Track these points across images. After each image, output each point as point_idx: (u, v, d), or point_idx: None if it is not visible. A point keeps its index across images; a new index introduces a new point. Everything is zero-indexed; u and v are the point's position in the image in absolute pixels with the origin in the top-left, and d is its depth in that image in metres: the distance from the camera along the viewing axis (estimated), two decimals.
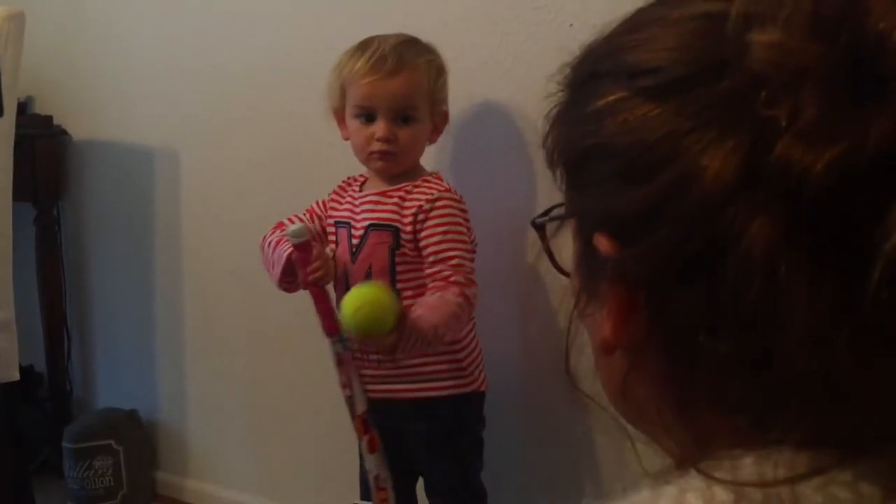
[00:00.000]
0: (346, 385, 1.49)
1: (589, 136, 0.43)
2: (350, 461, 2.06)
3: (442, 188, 1.50)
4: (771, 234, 0.36)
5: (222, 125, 2.19)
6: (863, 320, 0.35)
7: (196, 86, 2.22)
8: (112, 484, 2.33)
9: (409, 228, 1.47)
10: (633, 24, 0.44)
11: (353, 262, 1.50)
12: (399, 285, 1.47)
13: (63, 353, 2.58)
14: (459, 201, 1.51)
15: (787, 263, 0.36)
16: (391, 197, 1.50)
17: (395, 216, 1.48)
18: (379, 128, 1.45)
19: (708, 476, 0.39)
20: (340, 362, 1.49)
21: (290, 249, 1.47)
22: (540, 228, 0.55)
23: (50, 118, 2.47)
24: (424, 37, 1.58)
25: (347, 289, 1.43)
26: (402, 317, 1.35)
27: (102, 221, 2.51)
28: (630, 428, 0.52)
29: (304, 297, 2.10)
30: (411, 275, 1.49)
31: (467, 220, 1.51)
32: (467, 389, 1.53)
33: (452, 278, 1.43)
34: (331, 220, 1.60)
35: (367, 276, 1.47)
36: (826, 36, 0.36)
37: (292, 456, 2.23)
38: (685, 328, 0.40)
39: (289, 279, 1.52)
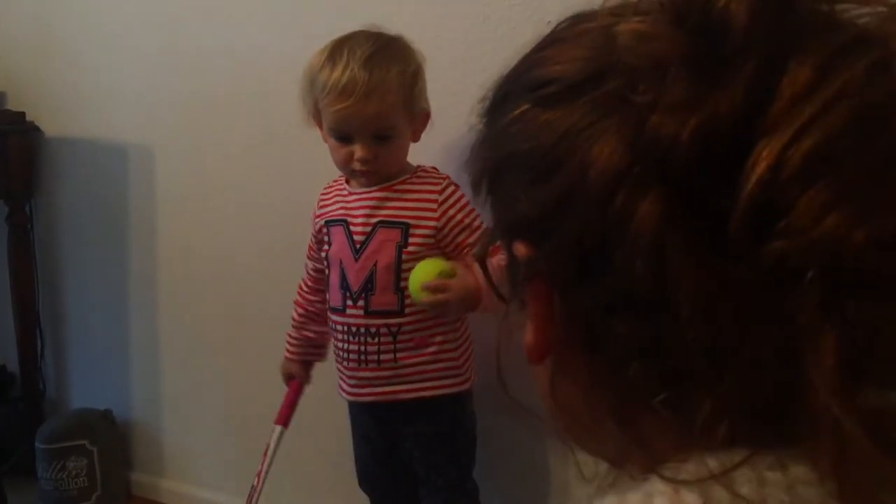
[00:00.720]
0: (259, 475, 1.71)
1: (500, 149, 0.46)
2: (326, 460, 2.06)
3: (442, 175, 1.53)
4: (655, 213, 0.38)
5: (197, 121, 2.17)
6: (741, 288, 0.37)
7: (171, 81, 2.20)
8: (86, 485, 2.31)
9: (431, 224, 1.46)
10: (539, 45, 0.47)
11: (357, 258, 1.47)
12: (403, 283, 1.45)
13: (36, 352, 2.55)
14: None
15: (670, 240, 0.38)
16: (395, 192, 1.48)
17: (407, 213, 1.47)
18: (357, 149, 1.41)
19: (670, 479, 0.39)
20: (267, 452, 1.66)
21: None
22: (482, 259, 0.58)
23: (22, 114, 2.44)
24: (402, 32, 1.57)
25: (345, 287, 1.48)
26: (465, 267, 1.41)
27: (76, 219, 2.49)
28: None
29: (280, 296, 2.10)
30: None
31: None
32: (464, 387, 1.52)
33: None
34: (320, 221, 1.57)
35: (372, 272, 1.46)
36: (679, 20, 0.39)
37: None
38: (593, 318, 0.42)
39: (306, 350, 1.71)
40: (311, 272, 1.66)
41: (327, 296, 1.56)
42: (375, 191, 1.49)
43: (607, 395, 0.44)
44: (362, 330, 1.48)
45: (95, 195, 2.42)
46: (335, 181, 1.60)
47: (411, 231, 1.46)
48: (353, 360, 1.49)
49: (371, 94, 1.36)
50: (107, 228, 2.41)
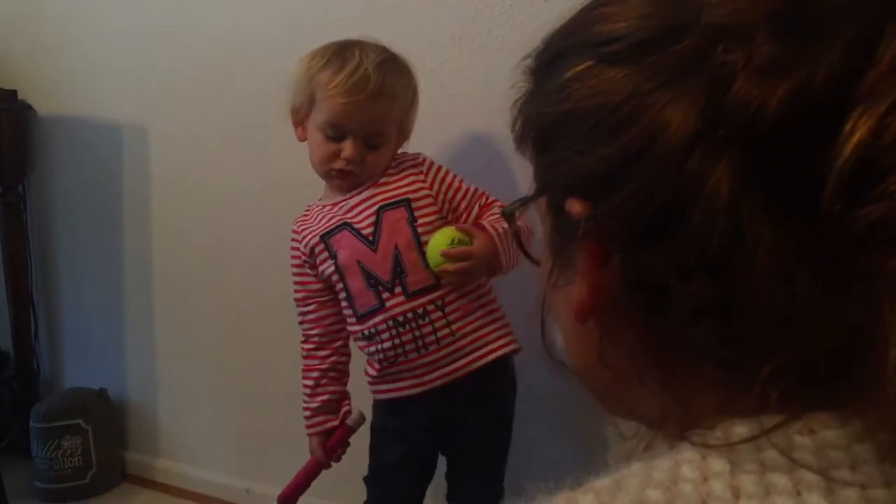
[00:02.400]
0: None
1: (558, 105, 0.45)
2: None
3: (413, 153, 1.52)
4: (732, 176, 0.38)
5: (191, 99, 2.16)
6: (821, 254, 0.37)
7: (164, 60, 2.18)
8: (81, 464, 2.32)
9: (426, 192, 1.46)
10: (598, 1, 0.46)
11: (375, 249, 1.42)
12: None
13: (30, 332, 2.55)
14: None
15: (748, 203, 0.37)
16: (380, 184, 1.46)
17: (401, 190, 1.45)
18: (347, 148, 1.40)
19: (700, 445, 0.39)
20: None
21: (340, 426, 1.54)
22: (511, 217, 0.58)
23: (14, 93, 2.42)
24: (399, 12, 1.57)
25: (374, 283, 1.41)
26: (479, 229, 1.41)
27: (69, 198, 2.48)
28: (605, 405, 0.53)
29: (276, 277, 2.09)
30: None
31: None
32: (515, 346, 1.48)
33: (491, 199, 1.48)
34: (312, 239, 1.49)
35: (396, 255, 1.41)
36: None
37: (262, 435, 2.22)
38: (657, 277, 0.41)
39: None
40: (314, 319, 1.55)
41: (352, 310, 1.47)
42: (361, 191, 1.46)
43: (659, 355, 0.44)
44: (409, 315, 1.41)
45: (89, 175, 2.41)
46: (307, 208, 1.55)
47: (414, 205, 1.43)
48: (412, 350, 1.41)
49: (380, 95, 1.38)
50: (101, 207, 2.41)
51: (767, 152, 0.37)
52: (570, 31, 0.47)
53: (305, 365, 1.56)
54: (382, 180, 1.46)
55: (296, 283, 1.54)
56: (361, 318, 1.45)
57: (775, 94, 0.36)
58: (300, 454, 2.14)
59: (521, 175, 1.66)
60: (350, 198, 1.46)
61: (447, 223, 1.45)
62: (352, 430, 1.54)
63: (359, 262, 1.42)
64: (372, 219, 1.43)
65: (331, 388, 1.53)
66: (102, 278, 2.46)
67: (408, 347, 1.41)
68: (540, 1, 1.59)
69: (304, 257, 1.51)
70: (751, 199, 0.37)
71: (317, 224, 1.49)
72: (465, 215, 1.48)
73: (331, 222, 1.46)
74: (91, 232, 2.44)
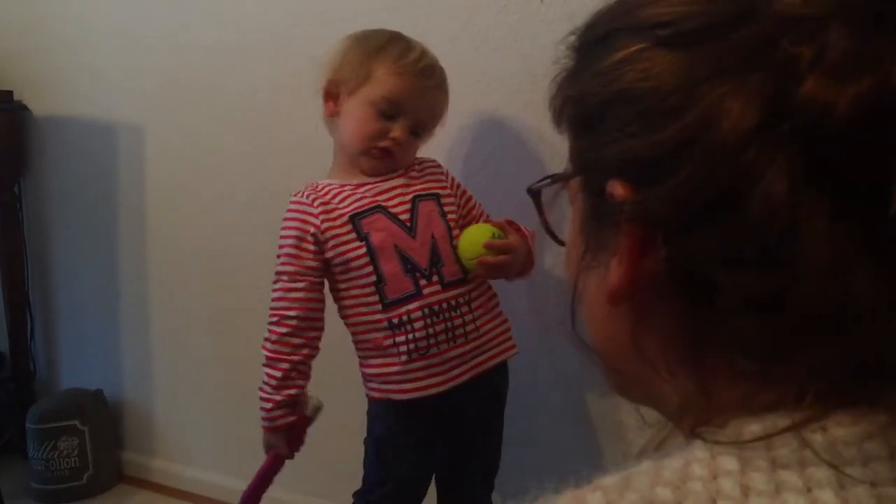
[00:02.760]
0: None
1: (607, 86, 0.44)
2: (316, 440, 2.06)
3: (432, 159, 1.53)
4: (791, 171, 0.37)
5: (186, 100, 2.15)
6: (881, 252, 0.37)
7: (160, 60, 2.18)
8: (77, 465, 2.32)
9: (449, 192, 1.47)
10: None
11: (414, 235, 1.39)
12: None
13: (26, 332, 2.55)
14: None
15: (808, 200, 0.37)
16: (410, 176, 1.45)
17: (430, 185, 1.45)
18: (398, 129, 1.39)
19: (712, 442, 0.39)
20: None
21: (300, 417, 1.45)
22: (536, 195, 0.57)
23: (10, 93, 2.42)
24: (393, 12, 1.56)
25: (412, 269, 1.37)
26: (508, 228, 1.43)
27: (65, 198, 2.47)
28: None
29: (272, 277, 2.09)
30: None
31: None
32: (517, 348, 1.50)
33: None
34: (340, 219, 1.39)
35: (434, 244, 1.40)
36: None
37: (259, 436, 2.21)
38: (704, 267, 0.40)
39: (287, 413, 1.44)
40: (299, 299, 1.41)
41: (378, 296, 1.38)
42: (392, 178, 1.43)
43: (693, 344, 0.43)
44: (444, 306, 1.38)
45: (85, 175, 2.40)
46: (316, 185, 1.45)
47: (442, 200, 1.44)
48: (444, 341, 1.38)
49: (440, 87, 1.43)
50: (97, 208, 2.40)
51: (832, 151, 0.37)
52: (620, 10, 0.46)
53: (273, 353, 1.41)
54: (412, 174, 1.45)
55: (288, 255, 1.40)
56: (390, 306, 1.38)
57: (846, 94, 0.36)
58: (298, 455, 2.14)
59: (516, 176, 1.66)
60: (380, 182, 1.42)
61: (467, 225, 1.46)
62: (311, 421, 1.47)
63: (396, 246, 1.38)
64: (408, 206, 1.41)
65: (299, 383, 1.42)
66: (98, 279, 2.45)
67: (440, 338, 1.38)
68: (536, 2, 1.59)
69: (311, 232, 1.39)
70: (811, 195, 0.37)
71: (342, 203, 1.40)
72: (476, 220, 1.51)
73: (361, 203, 1.40)
74: (87, 232, 2.44)
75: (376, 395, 1.44)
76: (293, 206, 1.43)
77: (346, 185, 1.42)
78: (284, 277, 1.41)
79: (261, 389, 1.43)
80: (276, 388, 1.42)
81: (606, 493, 0.39)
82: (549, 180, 0.54)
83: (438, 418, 1.43)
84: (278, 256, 1.41)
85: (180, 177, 2.22)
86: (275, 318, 1.41)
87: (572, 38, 0.50)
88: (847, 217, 0.37)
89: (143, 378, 2.43)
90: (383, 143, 1.39)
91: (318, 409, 1.47)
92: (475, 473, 1.53)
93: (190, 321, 2.28)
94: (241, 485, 2.25)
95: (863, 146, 0.36)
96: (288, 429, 1.44)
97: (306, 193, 1.43)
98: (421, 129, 1.43)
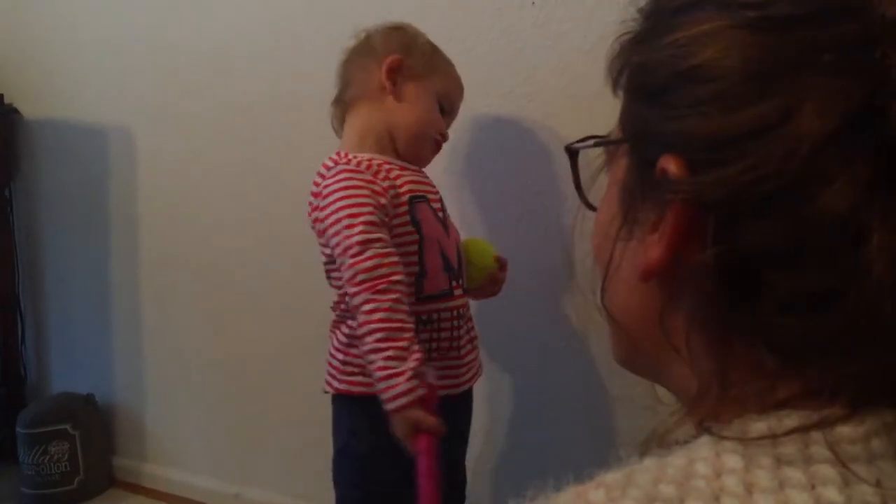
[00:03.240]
0: None
1: (684, 59, 0.42)
2: (307, 444, 2.06)
3: None
4: (868, 182, 0.36)
5: (177, 103, 2.15)
6: None
7: (150, 63, 2.17)
8: (68, 469, 2.31)
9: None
10: None
11: (448, 234, 1.38)
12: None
13: (17, 336, 2.54)
14: None
15: (880, 212, 0.36)
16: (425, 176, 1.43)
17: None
18: (444, 124, 1.43)
19: (718, 438, 0.39)
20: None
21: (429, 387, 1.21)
22: (574, 155, 0.55)
23: (0, 96, 2.41)
24: (386, 17, 1.55)
25: (449, 268, 1.35)
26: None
27: (56, 201, 2.46)
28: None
29: (264, 280, 2.08)
30: None
31: None
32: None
33: None
34: (402, 198, 1.31)
35: (457, 248, 1.40)
36: None
37: (251, 439, 2.21)
38: (754, 259, 0.39)
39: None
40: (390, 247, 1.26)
41: (419, 287, 1.31)
42: (420, 172, 1.41)
43: (723, 333, 0.42)
44: (463, 311, 1.38)
45: (76, 178, 2.40)
46: (363, 160, 1.31)
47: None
48: (465, 346, 1.38)
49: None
50: (88, 211, 2.39)
51: None
52: None
53: (393, 321, 1.19)
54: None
55: (370, 223, 1.23)
56: (425, 300, 1.31)
57: None
58: (289, 458, 2.14)
59: (510, 178, 1.66)
60: (417, 172, 1.39)
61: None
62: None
63: (439, 242, 1.35)
64: (439, 204, 1.40)
65: (418, 346, 1.20)
66: (89, 282, 2.44)
67: (462, 343, 1.37)
68: (528, 4, 1.59)
69: (383, 203, 1.27)
70: (884, 207, 0.36)
71: (398, 181, 1.31)
72: None
73: (415, 187, 1.33)
74: (78, 235, 2.43)
75: (361, 389, 1.31)
76: (351, 175, 1.26)
77: (396, 165, 1.33)
78: (376, 245, 1.22)
79: (382, 368, 1.18)
80: (404, 359, 1.18)
81: (609, 489, 0.39)
82: (591, 141, 0.52)
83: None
84: (350, 227, 1.22)
85: (171, 180, 2.21)
86: (382, 286, 1.20)
87: (646, 1, 0.47)
88: None
89: (134, 382, 2.42)
90: (436, 135, 1.40)
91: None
92: (453, 488, 1.46)
93: (181, 325, 2.27)
94: (234, 488, 2.26)
95: None
96: (421, 402, 1.19)
97: (357, 162, 1.30)
98: (447, 131, 1.45)
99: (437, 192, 1.40)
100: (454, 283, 1.35)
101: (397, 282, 1.22)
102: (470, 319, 1.41)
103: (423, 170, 1.42)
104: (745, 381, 0.41)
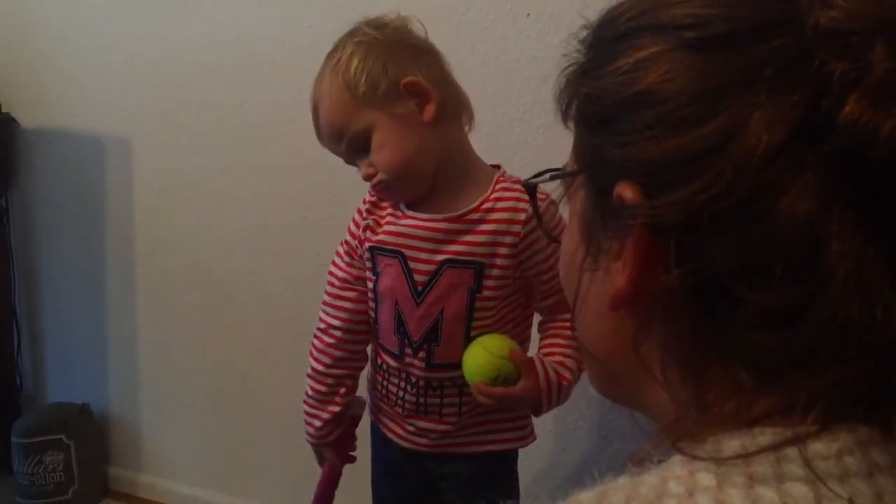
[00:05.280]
0: None
1: (628, 85, 0.42)
2: (304, 455, 2.05)
3: (525, 196, 1.15)
4: (822, 190, 0.36)
5: (175, 113, 2.15)
6: None
7: (148, 73, 2.17)
8: (63, 479, 2.30)
9: (503, 263, 1.17)
10: None
11: (419, 303, 1.18)
12: (473, 332, 1.20)
13: (12, 346, 2.53)
14: (556, 204, 1.25)
15: (837, 218, 0.36)
16: (465, 221, 1.17)
17: (480, 248, 1.16)
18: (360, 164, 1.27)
19: (691, 457, 0.38)
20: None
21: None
22: (532, 190, 0.56)
23: None
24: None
25: (403, 334, 1.22)
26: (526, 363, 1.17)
27: (52, 211, 2.46)
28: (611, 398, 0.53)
29: (259, 290, 2.08)
30: (488, 319, 1.20)
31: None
32: (529, 440, 1.32)
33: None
34: (365, 244, 1.24)
35: (437, 321, 1.19)
36: None
37: (246, 450, 2.21)
38: (719, 278, 0.39)
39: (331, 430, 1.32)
40: (348, 307, 1.28)
41: (376, 332, 1.28)
42: (436, 219, 1.18)
43: (697, 354, 0.42)
44: (422, 382, 1.23)
45: (72, 187, 2.39)
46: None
47: (486, 273, 1.17)
48: (410, 409, 1.26)
49: None
50: (84, 220, 2.39)
51: (868, 174, 0.36)
52: (642, 8, 0.44)
53: (319, 351, 1.29)
54: (467, 218, 1.20)
55: (342, 256, 1.29)
56: (381, 347, 1.28)
57: (891, 118, 0.35)
58: (284, 470, 2.13)
59: None
60: (427, 221, 1.19)
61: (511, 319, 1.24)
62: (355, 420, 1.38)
63: (396, 303, 1.21)
64: (430, 268, 1.18)
65: (343, 397, 1.32)
66: (85, 292, 2.44)
67: (407, 405, 1.26)
68: (523, 16, 1.59)
69: (352, 247, 1.27)
70: (840, 213, 0.36)
71: (377, 229, 1.23)
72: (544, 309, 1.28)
73: (388, 239, 1.21)
74: (74, 245, 2.43)
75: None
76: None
77: (397, 207, 1.23)
78: (330, 281, 1.32)
79: (305, 403, 1.30)
80: (322, 403, 1.32)
81: None
82: (547, 175, 0.52)
83: (408, 462, 1.32)
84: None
85: (167, 190, 2.21)
86: (321, 326, 1.31)
87: (586, 33, 0.48)
88: (877, 238, 0.36)
89: (129, 392, 2.41)
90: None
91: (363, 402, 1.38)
92: None
93: (178, 335, 2.27)
94: (228, 500, 2.25)
95: None
96: (332, 443, 1.36)
97: (371, 196, 1.26)
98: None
99: (439, 254, 1.17)
100: (409, 352, 1.22)
101: (334, 327, 1.27)
102: (451, 391, 1.24)
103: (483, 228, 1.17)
104: (722, 402, 0.41)
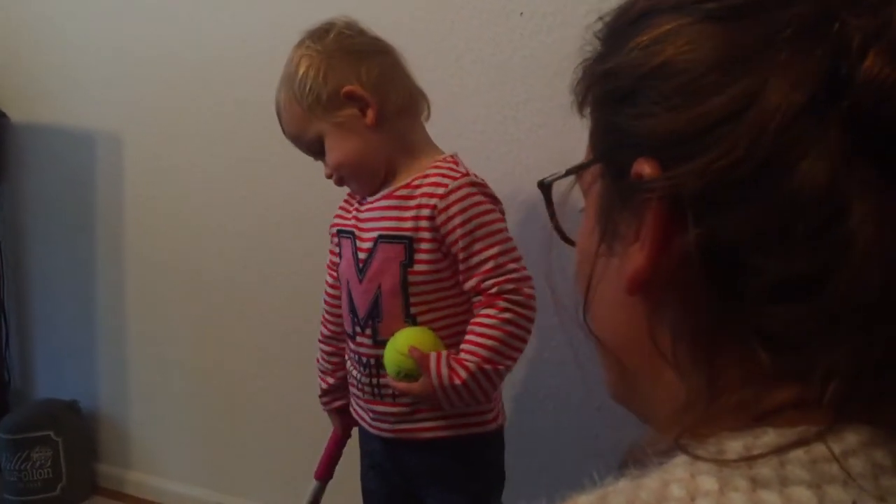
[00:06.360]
0: None
1: (647, 60, 0.42)
2: (294, 451, 2.05)
3: (457, 174, 1.23)
4: (843, 150, 0.36)
5: (166, 109, 2.14)
6: None
7: (139, 70, 2.17)
8: (51, 476, 2.29)
9: (426, 236, 1.22)
10: None
11: (361, 279, 1.26)
12: (413, 308, 1.23)
13: (1, 341, 2.51)
14: (483, 186, 1.25)
15: (859, 178, 0.36)
16: (396, 198, 1.25)
17: (407, 222, 1.23)
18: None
19: (693, 457, 0.38)
20: None
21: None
22: (547, 189, 0.54)
23: None
24: (376, 24, 1.56)
25: (353, 311, 1.28)
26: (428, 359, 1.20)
27: (42, 207, 2.45)
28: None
29: (250, 288, 2.08)
30: (425, 296, 1.24)
31: (492, 199, 1.25)
32: (489, 427, 1.31)
33: (494, 289, 1.20)
34: (333, 229, 1.37)
35: (377, 298, 1.24)
36: None
37: (236, 447, 2.20)
38: (737, 248, 0.39)
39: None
40: (329, 291, 1.42)
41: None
42: (384, 196, 1.27)
43: (712, 335, 0.41)
44: (372, 361, 1.27)
45: (63, 183, 2.39)
46: None
47: (415, 246, 1.22)
48: (368, 393, 1.29)
49: None
50: (74, 216, 2.38)
51: (887, 129, 0.35)
52: None
53: (320, 334, 1.45)
54: (405, 191, 1.27)
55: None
56: (346, 333, 1.35)
57: None
58: (272, 467, 2.13)
59: (495, 188, 1.66)
60: (374, 200, 1.29)
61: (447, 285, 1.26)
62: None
63: (348, 283, 1.30)
64: (368, 245, 1.26)
65: (341, 371, 1.44)
66: (75, 287, 2.43)
67: (364, 389, 1.30)
68: (516, 15, 1.59)
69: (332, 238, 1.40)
70: (862, 173, 0.36)
71: (346, 216, 1.35)
72: (463, 278, 1.26)
73: (349, 222, 1.32)
74: (64, 240, 2.42)
75: None
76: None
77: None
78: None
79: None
80: (322, 372, 1.45)
81: None
82: (563, 172, 0.51)
83: (388, 454, 1.35)
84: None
85: (158, 187, 2.20)
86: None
87: (600, 25, 0.47)
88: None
89: (118, 389, 2.40)
90: None
91: None
92: None
93: (167, 332, 2.26)
94: (217, 497, 2.25)
95: None
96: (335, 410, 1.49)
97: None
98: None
99: (374, 231, 1.25)
100: (358, 330, 1.28)
101: (323, 306, 1.43)
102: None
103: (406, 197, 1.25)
104: (734, 388, 0.40)
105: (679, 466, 0.38)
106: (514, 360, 1.22)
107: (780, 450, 0.36)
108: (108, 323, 2.39)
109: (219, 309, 2.14)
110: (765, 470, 0.36)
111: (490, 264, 1.20)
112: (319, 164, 1.33)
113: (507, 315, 1.19)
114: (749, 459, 0.36)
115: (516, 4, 1.60)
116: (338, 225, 1.35)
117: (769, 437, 0.37)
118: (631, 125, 0.43)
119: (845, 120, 0.36)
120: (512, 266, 1.21)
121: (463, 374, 1.18)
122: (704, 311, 0.41)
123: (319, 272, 1.45)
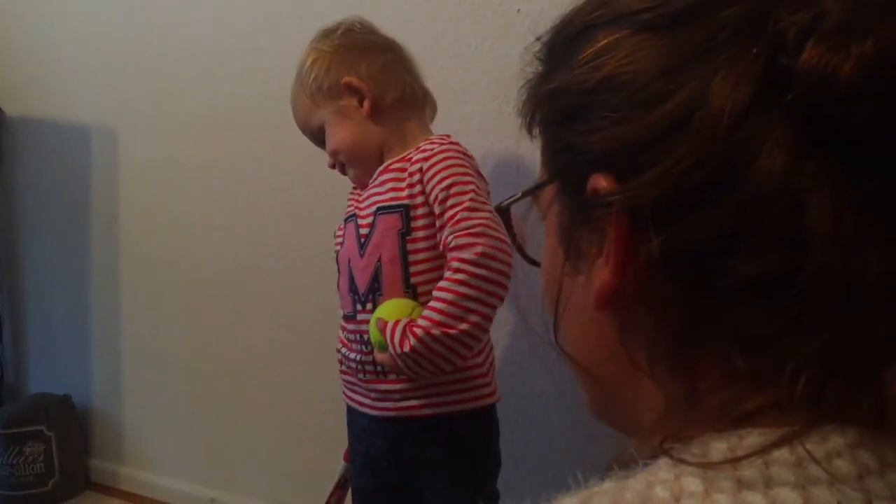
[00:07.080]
0: None
1: (590, 75, 0.42)
2: (287, 448, 2.05)
3: (446, 142, 1.28)
4: (793, 144, 0.36)
5: (161, 104, 2.14)
6: (892, 219, 0.36)
7: (134, 64, 2.16)
8: (43, 471, 2.29)
9: (420, 201, 1.24)
10: None
11: (362, 254, 1.28)
12: (413, 279, 1.24)
13: None
14: (470, 158, 1.28)
15: (812, 171, 0.36)
16: (392, 170, 1.29)
17: (402, 192, 1.26)
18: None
19: (677, 460, 0.38)
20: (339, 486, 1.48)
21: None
22: (505, 213, 0.54)
23: None
24: (373, 18, 1.56)
25: (353, 290, 1.29)
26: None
27: (37, 201, 2.45)
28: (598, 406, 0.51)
29: (244, 282, 2.07)
30: (424, 264, 1.24)
31: (475, 171, 1.26)
32: (491, 400, 1.31)
33: (451, 245, 1.18)
34: (341, 223, 1.40)
35: (377, 271, 1.25)
36: None
37: (229, 443, 2.20)
38: (701, 253, 0.39)
39: None
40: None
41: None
42: (377, 176, 1.32)
43: (685, 342, 0.41)
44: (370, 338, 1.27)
45: (57, 177, 2.38)
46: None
47: (411, 213, 1.25)
48: (371, 372, 1.28)
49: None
50: (68, 210, 2.38)
51: (837, 117, 0.36)
52: (594, 5, 0.44)
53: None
54: (393, 168, 1.31)
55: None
56: (342, 316, 1.36)
57: (850, 56, 0.35)
58: (266, 463, 2.12)
59: (492, 184, 1.66)
60: (378, 183, 1.32)
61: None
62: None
63: (349, 262, 1.31)
64: (368, 220, 1.29)
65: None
66: (69, 283, 2.43)
67: (367, 368, 1.29)
68: (513, 12, 1.59)
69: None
70: (815, 165, 0.36)
71: (350, 207, 1.39)
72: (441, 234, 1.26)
73: (351, 209, 1.37)
74: (58, 235, 2.42)
75: None
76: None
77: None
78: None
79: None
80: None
81: None
82: (519, 195, 0.51)
83: (388, 446, 1.33)
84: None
85: (153, 181, 2.20)
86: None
87: (540, 44, 0.48)
88: (857, 185, 0.36)
89: (112, 384, 2.40)
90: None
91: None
92: None
93: (161, 327, 2.26)
94: (211, 493, 2.25)
95: (870, 109, 0.35)
96: None
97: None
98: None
99: (372, 205, 1.28)
100: (360, 307, 1.28)
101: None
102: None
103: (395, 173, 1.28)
104: (713, 391, 0.40)
105: (664, 468, 0.38)
106: (475, 323, 1.16)
107: (764, 451, 0.36)
108: (101, 318, 2.38)
109: (213, 303, 2.14)
110: (750, 471, 0.36)
111: (452, 220, 1.20)
112: (315, 159, 1.34)
113: (458, 276, 1.16)
114: (734, 461, 0.36)
115: (513, 1, 1.60)
116: (345, 215, 1.39)
117: (754, 438, 0.37)
118: (582, 142, 0.43)
119: (792, 114, 0.36)
120: (467, 223, 1.18)
121: (412, 340, 1.16)
122: (676, 318, 0.41)
123: (315, 267, 1.46)
